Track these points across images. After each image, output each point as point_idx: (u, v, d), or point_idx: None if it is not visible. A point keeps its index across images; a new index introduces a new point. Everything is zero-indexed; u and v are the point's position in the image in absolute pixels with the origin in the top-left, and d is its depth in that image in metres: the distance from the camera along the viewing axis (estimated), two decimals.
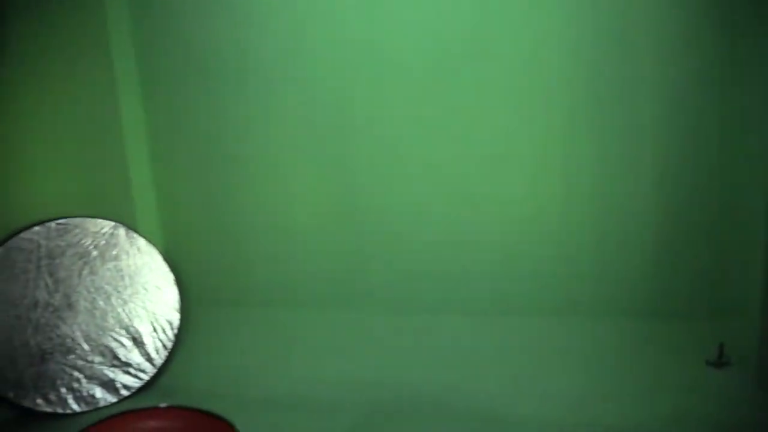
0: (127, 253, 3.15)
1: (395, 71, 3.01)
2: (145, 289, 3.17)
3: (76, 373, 2.92)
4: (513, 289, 3.08)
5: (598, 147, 2.92)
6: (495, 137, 2.99)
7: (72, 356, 2.93)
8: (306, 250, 3.28)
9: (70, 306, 2.97)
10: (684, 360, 2.83)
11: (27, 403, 2.78)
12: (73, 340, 2.95)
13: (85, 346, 2.97)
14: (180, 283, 3.39)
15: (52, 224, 2.99)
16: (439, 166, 3.06)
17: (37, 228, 2.94)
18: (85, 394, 2.91)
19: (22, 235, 2.89)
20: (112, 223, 3.14)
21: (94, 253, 3.07)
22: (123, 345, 3.05)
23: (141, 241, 3.19)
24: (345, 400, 2.89)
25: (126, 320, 3.08)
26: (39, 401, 2.81)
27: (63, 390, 2.87)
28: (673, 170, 2.90)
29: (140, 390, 3.04)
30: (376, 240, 3.18)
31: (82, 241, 3.05)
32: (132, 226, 3.22)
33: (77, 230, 3.05)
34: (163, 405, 1.76)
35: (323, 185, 3.19)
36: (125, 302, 3.10)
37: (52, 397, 2.84)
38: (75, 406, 2.87)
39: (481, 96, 2.95)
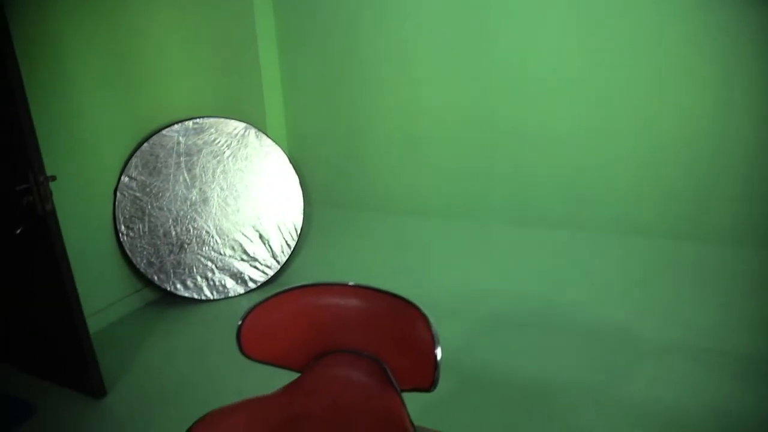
0: (257, 155, 3.27)
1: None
2: (272, 189, 3.29)
3: (209, 264, 3.14)
4: (642, 212, 2.88)
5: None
6: (628, 68, 2.72)
7: (206, 248, 3.14)
8: (431, 160, 3.23)
9: (205, 201, 3.16)
10: None
11: (168, 287, 3.04)
12: (207, 233, 3.15)
13: (218, 240, 3.17)
14: (304, 185, 3.50)
15: (190, 123, 3.14)
16: (570, 90, 2.85)
17: (176, 126, 3.11)
18: (217, 283, 3.13)
19: (163, 132, 3.07)
20: (244, 125, 3.25)
21: (227, 152, 3.21)
22: (251, 241, 3.22)
23: (269, 144, 3.29)
24: (462, 307, 2.92)
25: (254, 218, 3.24)
26: (179, 286, 3.06)
27: (198, 278, 3.11)
28: None
29: (265, 284, 3.24)
30: (503, 154, 3.07)
31: (216, 141, 3.19)
32: (262, 129, 3.32)
33: (212, 130, 3.19)
34: (351, 283, 1.71)
35: (454, 97, 3.08)
36: (254, 201, 3.24)
37: (189, 283, 3.09)
38: (208, 293, 3.11)
39: (613, 25, 2.68)
